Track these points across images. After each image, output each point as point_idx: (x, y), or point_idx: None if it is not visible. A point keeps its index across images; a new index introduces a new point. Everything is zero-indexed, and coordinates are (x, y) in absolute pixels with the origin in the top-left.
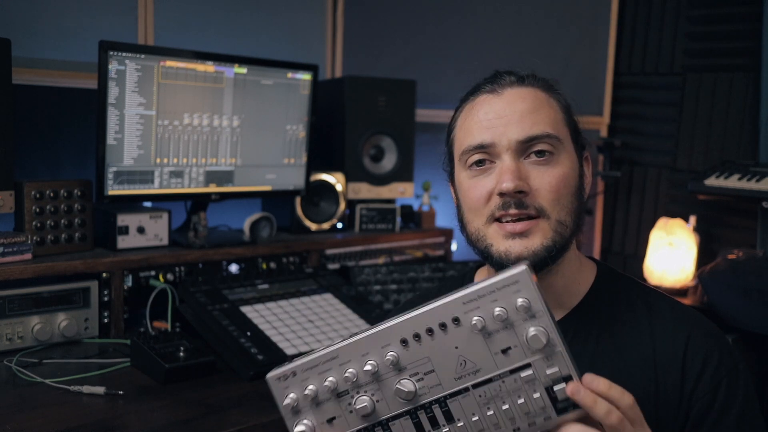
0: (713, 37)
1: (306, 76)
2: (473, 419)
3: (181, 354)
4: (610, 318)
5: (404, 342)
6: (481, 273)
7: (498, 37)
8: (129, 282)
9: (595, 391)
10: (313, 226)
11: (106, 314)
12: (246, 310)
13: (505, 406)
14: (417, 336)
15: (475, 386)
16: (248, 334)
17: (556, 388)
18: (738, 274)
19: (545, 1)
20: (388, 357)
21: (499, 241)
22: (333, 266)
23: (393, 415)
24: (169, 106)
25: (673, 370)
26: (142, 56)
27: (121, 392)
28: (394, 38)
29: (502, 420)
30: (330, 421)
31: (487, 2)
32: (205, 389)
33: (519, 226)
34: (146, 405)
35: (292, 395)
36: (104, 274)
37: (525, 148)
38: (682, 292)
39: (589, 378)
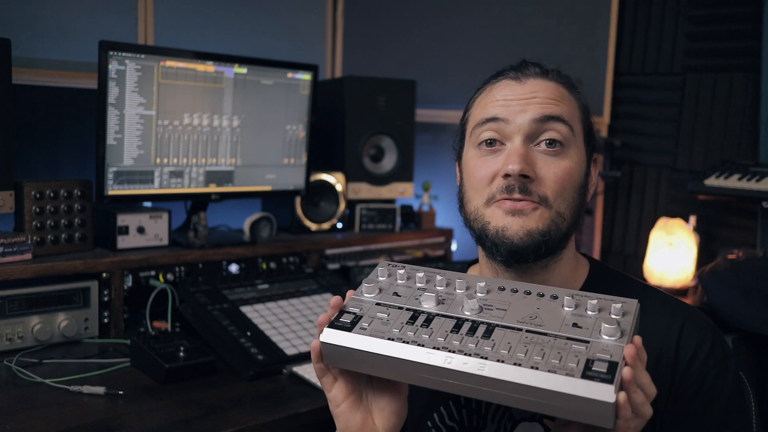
0: (713, 37)
1: (306, 76)
2: (504, 347)
3: (181, 354)
4: None
5: (501, 288)
6: (472, 271)
7: (498, 37)
8: (129, 282)
9: (642, 361)
10: (313, 226)
11: (106, 314)
12: (246, 310)
13: (539, 356)
14: (514, 290)
15: (528, 331)
16: (248, 334)
17: (596, 360)
18: (738, 274)
19: (545, 1)
20: (479, 293)
21: (498, 218)
22: (333, 266)
23: (441, 314)
24: (169, 106)
25: (666, 361)
26: (142, 56)
27: (121, 392)
28: (394, 38)
29: (528, 360)
30: (395, 294)
31: (487, 2)
32: (205, 389)
33: (520, 204)
34: (146, 405)
35: (382, 278)
36: (104, 274)
37: (537, 132)
38: (682, 292)
39: (640, 342)
